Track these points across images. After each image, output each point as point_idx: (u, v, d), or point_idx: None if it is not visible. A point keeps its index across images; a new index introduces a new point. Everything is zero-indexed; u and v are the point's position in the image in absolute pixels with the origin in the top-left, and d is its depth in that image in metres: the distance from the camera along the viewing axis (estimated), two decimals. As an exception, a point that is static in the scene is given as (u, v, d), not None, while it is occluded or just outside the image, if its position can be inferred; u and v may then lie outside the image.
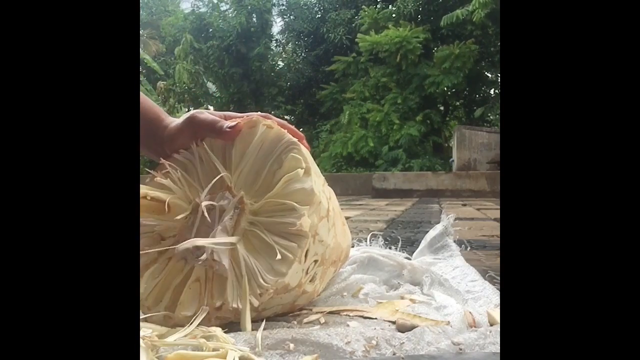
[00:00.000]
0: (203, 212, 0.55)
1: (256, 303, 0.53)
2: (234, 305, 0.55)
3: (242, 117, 0.61)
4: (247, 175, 0.58)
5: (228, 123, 0.58)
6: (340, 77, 11.03)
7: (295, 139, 0.57)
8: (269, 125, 0.58)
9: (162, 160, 0.60)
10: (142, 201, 0.57)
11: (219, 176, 0.57)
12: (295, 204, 0.54)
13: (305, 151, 0.58)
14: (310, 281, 0.57)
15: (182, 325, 0.52)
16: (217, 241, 0.54)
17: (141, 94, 0.64)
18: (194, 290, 0.56)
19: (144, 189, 0.57)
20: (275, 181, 0.56)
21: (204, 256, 0.53)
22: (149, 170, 0.61)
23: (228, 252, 0.54)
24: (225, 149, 0.59)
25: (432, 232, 0.86)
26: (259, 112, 0.62)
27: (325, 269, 0.59)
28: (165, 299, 0.56)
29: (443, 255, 0.83)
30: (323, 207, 0.57)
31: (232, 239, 0.54)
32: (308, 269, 0.56)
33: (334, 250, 0.61)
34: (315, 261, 0.57)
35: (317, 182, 0.57)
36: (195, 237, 0.55)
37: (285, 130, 0.58)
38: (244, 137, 0.58)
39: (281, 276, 0.53)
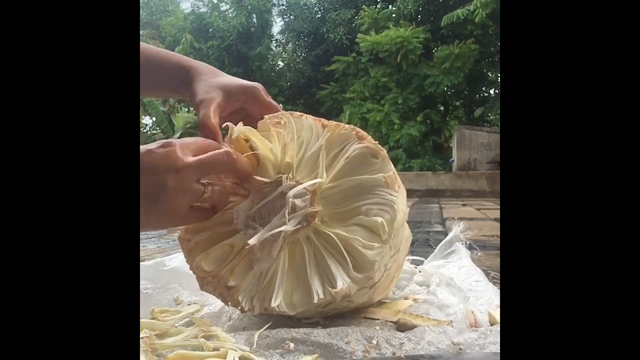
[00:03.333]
0: (288, 206, 0.53)
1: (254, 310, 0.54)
2: (243, 304, 0.54)
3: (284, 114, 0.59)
4: (335, 195, 0.55)
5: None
6: (340, 77, 11.03)
7: (390, 199, 0.53)
8: (387, 181, 0.53)
9: (281, 117, 0.57)
10: (238, 139, 0.55)
11: (317, 181, 0.54)
12: (359, 276, 0.52)
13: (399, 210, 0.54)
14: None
15: (199, 271, 0.55)
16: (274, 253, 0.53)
17: (158, 49, 0.67)
18: (223, 252, 0.56)
19: (247, 132, 0.55)
20: (355, 221, 0.54)
21: (253, 240, 0.52)
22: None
23: (277, 256, 0.54)
24: (339, 155, 0.56)
25: (444, 240, 0.88)
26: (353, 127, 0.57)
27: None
28: (202, 235, 0.56)
29: (453, 258, 0.84)
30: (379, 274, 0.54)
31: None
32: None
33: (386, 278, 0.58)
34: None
35: (386, 253, 0.54)
36: (260, 210, 0.54)
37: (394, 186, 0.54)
38: (359, 158, 0.55)
39: (291, 310, 0.53)
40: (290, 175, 0.55)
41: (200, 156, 0.49)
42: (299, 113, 0.58)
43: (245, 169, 0.54)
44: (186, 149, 0.49)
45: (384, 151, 0.55)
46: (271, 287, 0.54)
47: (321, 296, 0.52)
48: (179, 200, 0.48)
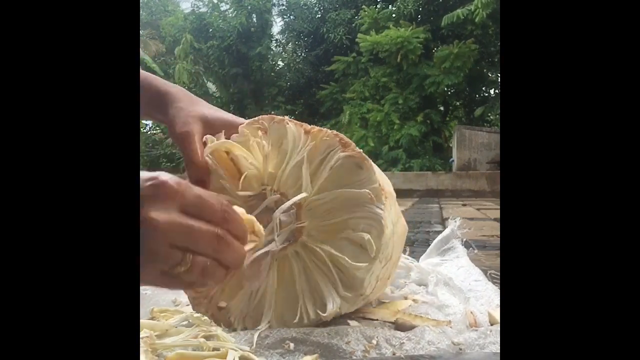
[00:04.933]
0: (275, 224, 0.51)
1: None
2: (236, 325, 0.54)
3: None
4: (321, 206, 0.53)
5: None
6: (340, 77, 11.01)
7: (376, 214, 0.52)
8: (371, 197, 0.52)
9: (262, 122, 0.55)
10: (219, 152, 0.54)
11: (302, 196, 0.52)
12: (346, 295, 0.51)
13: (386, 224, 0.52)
14: None
15: (191, 292, 0.55)
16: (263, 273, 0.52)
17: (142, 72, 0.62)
18: None
19: (227, 145, 0.53)
20: (343, 235, 0.52)
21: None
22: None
23: (265, 275, 0.53)
24: (323, 163, 0.54)
25: (440, 236, 0.88)
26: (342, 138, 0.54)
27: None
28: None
29: (450, 256, 0.83)
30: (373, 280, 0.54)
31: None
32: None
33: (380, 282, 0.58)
34: None
35: (376, 267, 0.52)
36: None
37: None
38: (344, 168, 0.53)
39: (283, 327, 0.52)
40: (275, 186, 0.54)
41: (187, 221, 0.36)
42: (280, 117, 0.56)
43: (243, 237, 0.40)
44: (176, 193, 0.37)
45: (368, 160, 0.53)
46: (262, 306, 0.53)
47: (312, 316, 0.51)
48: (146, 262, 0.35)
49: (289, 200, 0.53)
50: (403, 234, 0.63)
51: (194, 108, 0.58)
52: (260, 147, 0.54)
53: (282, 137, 0.55)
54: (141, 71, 0.64)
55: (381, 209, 0.52)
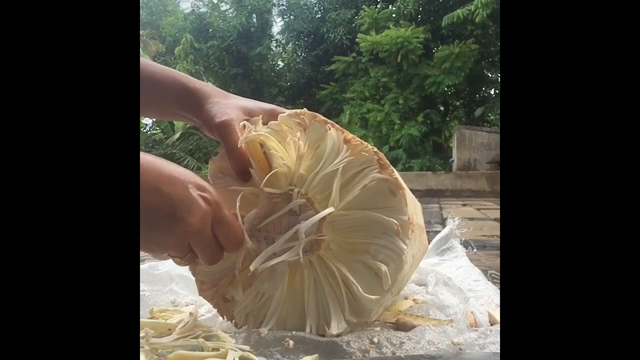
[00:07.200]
0: (300, 238, 0.50)
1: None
2: (238, 320, 0.54)
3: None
4: (345, 222, 0.52)
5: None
6: (340, 77, 11.01)
7: (399, 248, 0.50)
8: (398, 229, 0.50)
9: (304, 118, 0.53)
10: (253, 143, 0.52)
11: (328, 211, 0.50)
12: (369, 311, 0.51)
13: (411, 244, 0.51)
14: None
15: (199, 276, 0.54)
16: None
17: (158, 66, 0.61)
18: (226, 261, 0.53)
19: (263, 138, 0.51)
20: (360, 258, 0.51)
21: (253, 265, 0.50)
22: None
23: (281, 284, 0.52)
24: (356, 178, 0.52)
25: (439, 236, 0.87)
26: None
27: None
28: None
29: (449, 256, 0.83)
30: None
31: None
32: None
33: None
34: None
35: (387, 299, 0.52)
36: (269, 226, 0.52)
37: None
38: (376, 191, 0.51)
39: (282, 331, 0.52)
40: (303, 190, 0.52)
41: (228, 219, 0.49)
42: (322, 118, 0.53)
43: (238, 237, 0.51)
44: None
45: (403, 189, 0.51)
46: (267, 307, 0.53)
47: (313, 330, 0.51)
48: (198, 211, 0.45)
49: (313, 206, 0.52)
50: (421, 256, 0.63)
51: (230, 101, 0.57)
52: (296, 147, 0.52)
53: (320, 139, 0.53)
54: (168, 68, 0.62)
55: (405, 244, 0.50)
